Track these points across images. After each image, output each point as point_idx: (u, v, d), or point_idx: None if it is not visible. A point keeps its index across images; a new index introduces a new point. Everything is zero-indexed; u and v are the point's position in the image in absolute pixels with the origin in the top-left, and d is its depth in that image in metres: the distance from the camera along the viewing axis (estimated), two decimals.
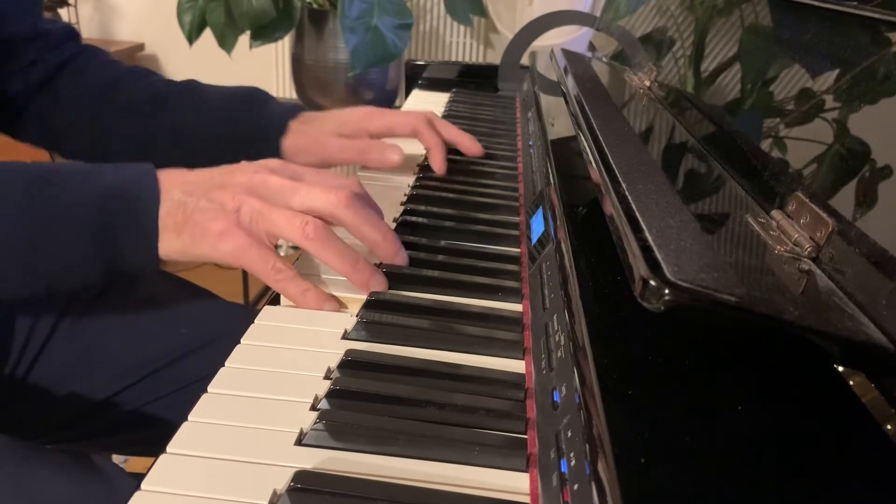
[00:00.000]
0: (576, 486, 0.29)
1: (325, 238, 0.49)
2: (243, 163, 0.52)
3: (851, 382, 0.31)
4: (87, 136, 0.78)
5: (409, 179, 0.74)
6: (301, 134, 0.74)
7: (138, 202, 0.48)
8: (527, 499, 0.34)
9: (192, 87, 0.79)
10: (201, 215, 0.48)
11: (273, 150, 0.74)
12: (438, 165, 0.74)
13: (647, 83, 0.76)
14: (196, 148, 0.76)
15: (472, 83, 1.25)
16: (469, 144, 0.78)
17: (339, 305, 0.50)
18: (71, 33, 0.80)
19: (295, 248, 0.51)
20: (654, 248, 0.33)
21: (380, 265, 0.52)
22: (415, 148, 0.78)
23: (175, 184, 0.49)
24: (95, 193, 0.48)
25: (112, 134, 0.77)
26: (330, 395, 0.39)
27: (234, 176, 0.50)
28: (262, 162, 0.52)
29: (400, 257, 0.53)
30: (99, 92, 0.77)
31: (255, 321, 0.47)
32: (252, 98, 0.77)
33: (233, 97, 0.77)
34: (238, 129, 0.75)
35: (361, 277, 0.50)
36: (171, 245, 0.48)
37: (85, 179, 0.49)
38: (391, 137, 0.76)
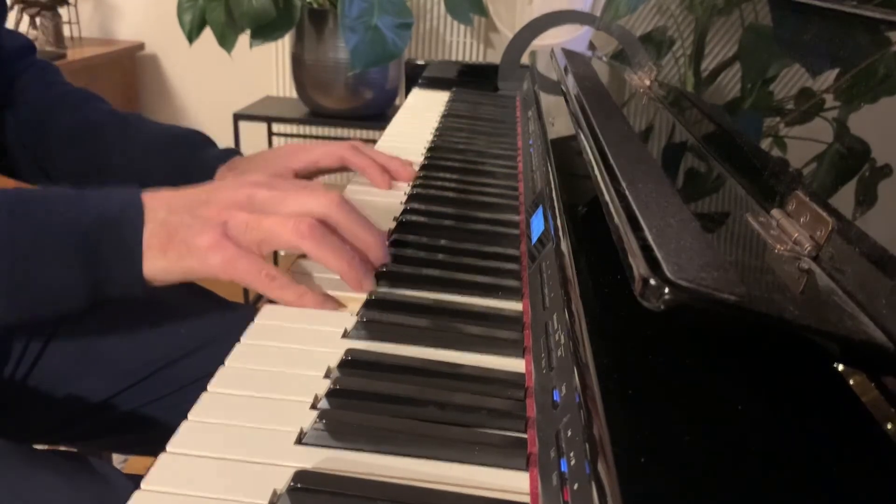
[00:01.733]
0: (576, 486, 0.29)
1: (323, 236, 0.48)
2: (227, 179, 0.52)
3: (851, 382, 0.31)
4: (30, 159, 0.77)
5: (405, 188, 0.74)
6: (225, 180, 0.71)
7: (122, 225, 0.47)
8: (527, 498, 0.34)
9: (129, 120, 0.77)
10: (186, 231, 0.47)
11: None
12: (380, 182, 0.74)
13: (647, 83, 0.76)
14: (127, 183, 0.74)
15: (472, 83, 1.25)
16: (399, 168, 0.76)
17: (338, 305, 0.50)
18: (27, 49, 0.79)
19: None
20: (654, 248, 0.33)
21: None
22: (413, 151, 0.78)
23: (160, 204, 0.48)
24: (79, 218, 0.47)
25: (50, 159, 0.76)
26: (330, 394, 0.39)
27: (219, 192, 0.50)
28: (246, 177, 0.52)
29: (386, 259, 0.53)
30: (38, 115, 0.76)
31: (255, 321, 0.47)
32: (188, 141, 0.76)
33: (170, 138, 0.76)
34: (169, 171, 0.73)
35: (356, 276, 0.50)
36: (157, 264, 0.47)
37: (68, 204, 0.48)
38: (319, 173, 0.76)
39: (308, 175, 0.76)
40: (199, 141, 0.77)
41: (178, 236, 0.47)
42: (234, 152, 0.76)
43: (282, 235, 0.48)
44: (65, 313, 0.49)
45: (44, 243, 0.46)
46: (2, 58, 0.76)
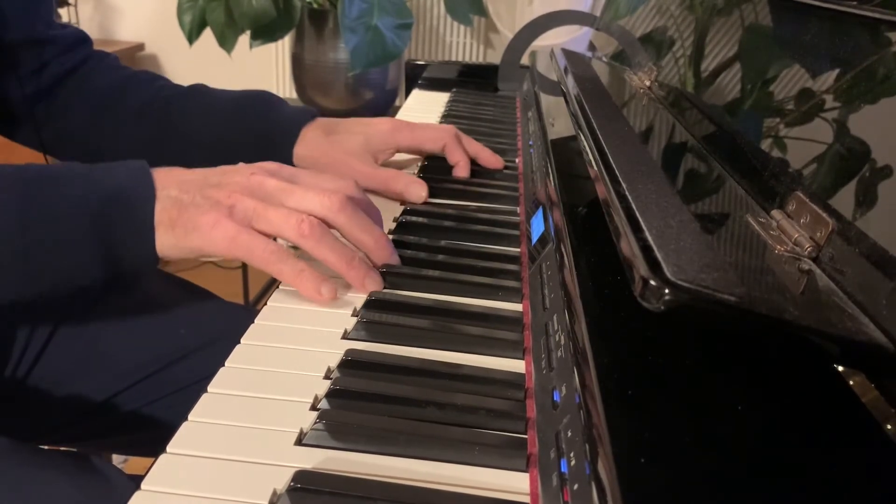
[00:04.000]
0: (576, 486, 0.29)
1: (321, 236, 0.49)
2: (240, 164, 0.52)
3: (851, 382, 0.31)
4: (94, 141, 0.77)
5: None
6: (325, 145, 0.71)
7: (134, 200, 0.48)
8: (527, 499, 0.34)
9: (199, 90, 0.78)
10: (195, 209, 0.48)
11: (285, 158, 0.71)
12: (462, 177, 0.74)
13: (647, 83, 0.76)
14: (204, 153, 0.73)
15: (472, 83, 1.25)
16: (490, 159, 0.76)
17: (336, 290, 0.50)
18: (82, 38, 0.80)
19: (293, 247, 0.51)
20: (654, 248, 0.33)
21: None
22: None
23: (171, 182, 0.49)
24: (91, 194, 0.48)
25: (118, 139, 0.76)
26: (330, 394, 0.39)
27: (230, 176, 0.50)
28: (258, 164, 0.52)
29: (392, 261, 0.53)
30: (106, 96, 0.77)
31: (255, 321, 0.47)
32: (260, 102, 0.75)
33: (240, 101, 0.75)
34: (246, 133, 0.73)
35: (357, 276, 0.50)
36: (166, 240, 0.48)
37: (80, 180, 0.49)
38: (418, 152, 0.76)
39: (410, 152, 0.76)
40: (272, 101, 0.75)
41: (186, 214, 0.48)
42: (313, 113, 0.74)
43: (283, 230, 0.48)
44: (82, 289, 0.50)
45: (56, 221, 0.47)
46: (60, 47, 0.77)
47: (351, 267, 0.50)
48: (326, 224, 0.50)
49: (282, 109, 0.74)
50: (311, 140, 0.71)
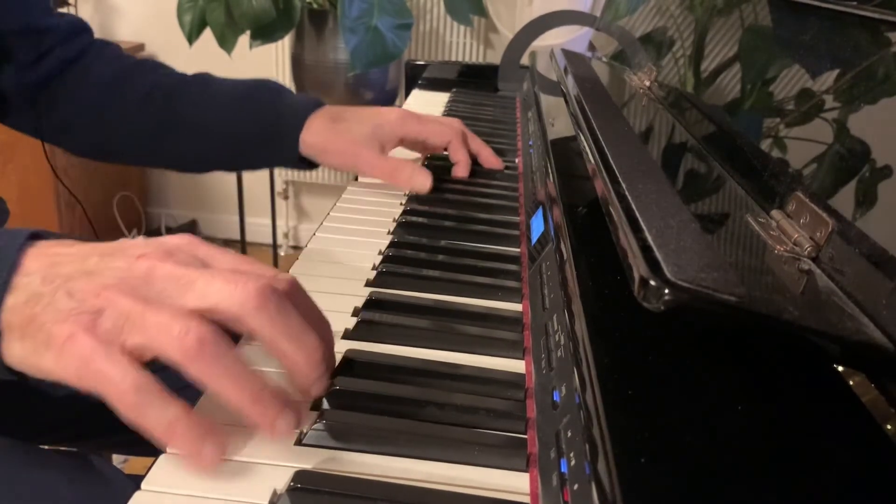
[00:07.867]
0: (576, 486, 0.29)
1: (214, 356, 0.33)
2: (139, 239, 0.39)
3: (851, 382, 0.31)
4: (98, 131, 0.78)
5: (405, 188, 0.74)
6: (332, 133, 0.70)
7: None
8: (527, 499, 0.34)
9: (204, 78, 0.78)
10: (50, 313, 0.34)
11: (291, 146, 0.71)
12: (461, 177, 0.74)
13: (647, 83, 0.76)
14: (210, 140, 0.75)
15: (472, 83, 1.25)
16: (490, 158, 0.77)
17: (221, 453, 0.34)
18: (81, 27, 0.80)
19: (295, 247, 0.48)
20: (654, 248, 0.33)
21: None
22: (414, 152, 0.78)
23: (41, 265, 0.36)
24: None
25: (121, 127, 0.77)
26: (330, 395, 0.39)
27: (111, 259, 0.36)
28: (160, 240, 0.38)
29: (317, 388, 0.38)
30: (110, 86, 0.77)
31: None
32: (266, 90, 0.74)
33: (246, 89, 0.75)
34: (252, 122, 0.73)
35: (265, 415, 0.34)
36: (16, 351, 0.35)
37: None
38: (424, 148, 0.76)
39: (412, 147, 0.75)
40: (278, 89, 0.75)
41: (40, 319, 0.34)
42: (319, 101, 0.74)
43: (161, 344, 0.33)
44: None
45: None
46: (58, 37, 0.76)
47: (254, 403, 0.34)
48: (238, 327, 0.35)
49: (288, 97, 0.74)
50: (318, 128, 0.71)
